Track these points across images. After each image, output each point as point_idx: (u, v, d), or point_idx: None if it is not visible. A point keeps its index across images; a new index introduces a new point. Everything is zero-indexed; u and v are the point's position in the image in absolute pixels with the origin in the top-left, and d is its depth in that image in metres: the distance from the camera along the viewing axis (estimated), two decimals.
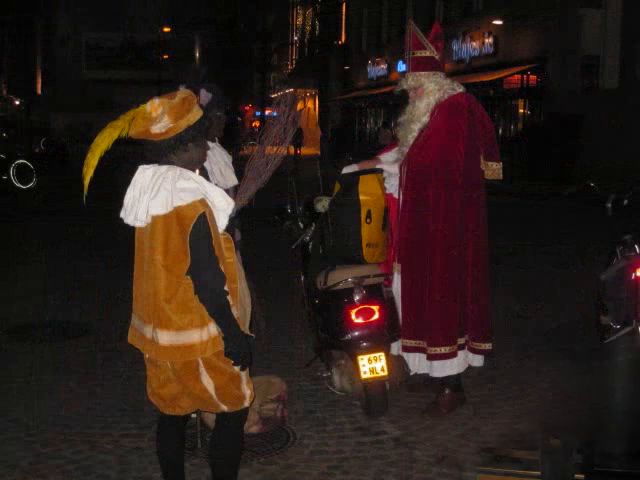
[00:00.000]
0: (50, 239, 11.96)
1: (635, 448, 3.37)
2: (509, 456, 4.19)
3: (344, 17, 44.13)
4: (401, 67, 28.46)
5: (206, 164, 3.77)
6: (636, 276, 5.95)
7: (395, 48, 32.99)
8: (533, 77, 24.54)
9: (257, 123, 52.91)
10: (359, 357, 4.70)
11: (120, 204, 3.24)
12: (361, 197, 4.73)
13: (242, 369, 3.24)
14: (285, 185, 5.29)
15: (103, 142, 3.16)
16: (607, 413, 3.48)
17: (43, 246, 11.30)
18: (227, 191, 3.81)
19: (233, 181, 4.46)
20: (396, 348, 5.00)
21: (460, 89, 4.93)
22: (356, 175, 4.84)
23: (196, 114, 3.15)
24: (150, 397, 3.39)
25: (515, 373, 5.73)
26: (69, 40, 70.66)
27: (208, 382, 3.22)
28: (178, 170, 3.14)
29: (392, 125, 11.66)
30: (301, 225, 5.26)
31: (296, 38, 53.70)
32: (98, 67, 70.20)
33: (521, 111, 25.42)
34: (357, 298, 4.74)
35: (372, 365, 4.68)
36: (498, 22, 25.50)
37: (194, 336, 3.14)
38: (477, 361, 5.02)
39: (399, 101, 5.59)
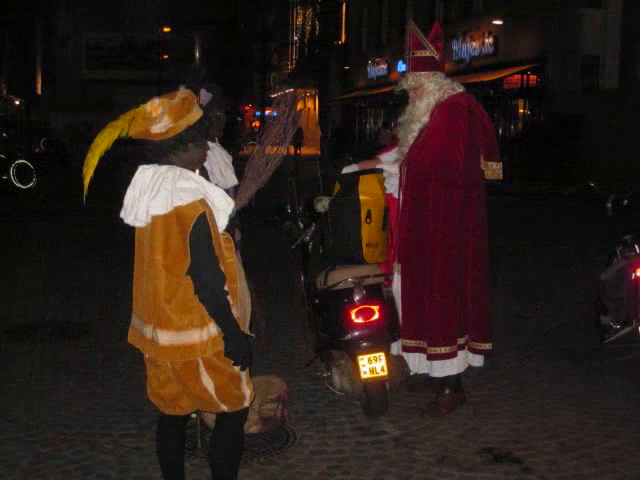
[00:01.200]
0: (50, 239, 11.95)
1: None
2: (509, 456, 4.20)
3: (344, 17, 44.12)
4: (401, 67, 28.45)
5: (206, 164, 3.77)
6: (636, 276, 5.96)
7: (395, 48, 32.99)
8: (533, 77, 24.53)
9: (257, 123, 52.90)
10: (359, 357, 4.69)
11: (120, 204, 3.24)
12: (361, 197, 4.73)
13: (242, 369, 3.24)
14: (285, 185, 5.29)
15: (103, 142, 3.16)
16: None
17: (43, 246, 11.29)
18: (227, 191, 3.81)
19: (233, 181, 4.46)
20: (396, 348, 5.00)
21: (460, 89, 4.93)
22: (356, 175, 4.84)
23: (196, 114, 3.15)
24: (150, 397, 3.39)
25: (515, 373, 5.73)
26: (69, 40, 70.70)
27: (208, 382, 3.22)
28: (178, 170, 3.13)
29: (392, 125, 11.69)
30: (301, 225, 5.26)
31: (296, 38, 53.69)
32: (98, 67, 70.24)
33: (521, 111, 25.41)
34: (357, 298, 4.74)
35: (372, 365, 4.67)
36: (498, 22, 25.50)
37: (194, 336, 3.13)
38: (477, 361, 5.02)
39: (399, 101, 5.59)
